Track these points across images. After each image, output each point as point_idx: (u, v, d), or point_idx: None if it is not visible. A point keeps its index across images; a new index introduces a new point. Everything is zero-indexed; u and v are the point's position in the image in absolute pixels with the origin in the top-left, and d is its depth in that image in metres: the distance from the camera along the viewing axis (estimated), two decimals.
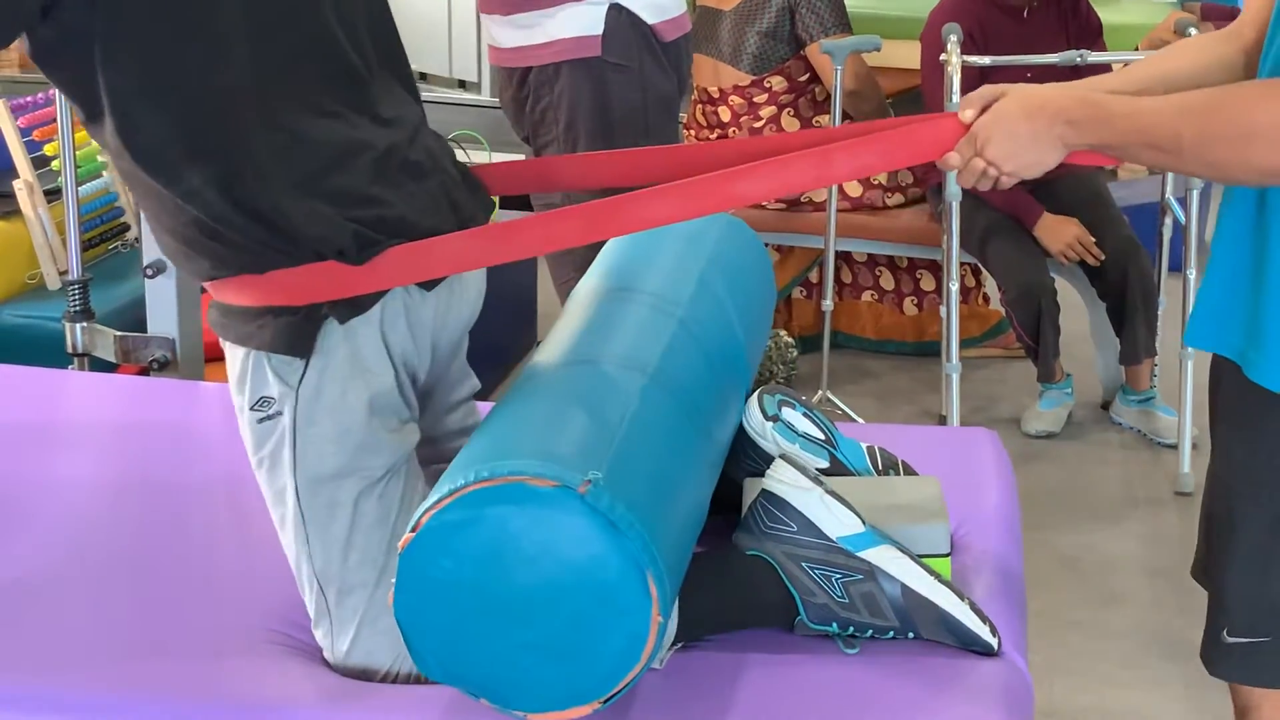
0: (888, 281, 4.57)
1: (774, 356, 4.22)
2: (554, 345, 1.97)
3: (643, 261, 2.16)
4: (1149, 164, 1.86)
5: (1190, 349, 3.41)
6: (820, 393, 4.09)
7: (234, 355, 1.87)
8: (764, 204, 4.35)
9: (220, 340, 1.90)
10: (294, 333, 1.82)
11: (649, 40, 3.21)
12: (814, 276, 4.51)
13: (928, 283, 4.53)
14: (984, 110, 1.86)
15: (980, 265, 4.30)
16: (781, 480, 1.94)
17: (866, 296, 4.59)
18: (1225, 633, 2.01)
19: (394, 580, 1.68)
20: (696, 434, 1.91)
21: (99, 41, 1.72)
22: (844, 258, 4.55)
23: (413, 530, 1.67)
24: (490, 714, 1.73)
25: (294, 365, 1.83)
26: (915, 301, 4.57)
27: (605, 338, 1.95)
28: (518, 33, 3.20)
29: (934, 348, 4.33)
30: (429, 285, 1.91)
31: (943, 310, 3.71)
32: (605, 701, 1.69)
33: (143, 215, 1.91)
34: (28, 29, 1.73)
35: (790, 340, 4.27)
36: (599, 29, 3.15)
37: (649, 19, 3.20)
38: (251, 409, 1.86)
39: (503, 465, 1.66)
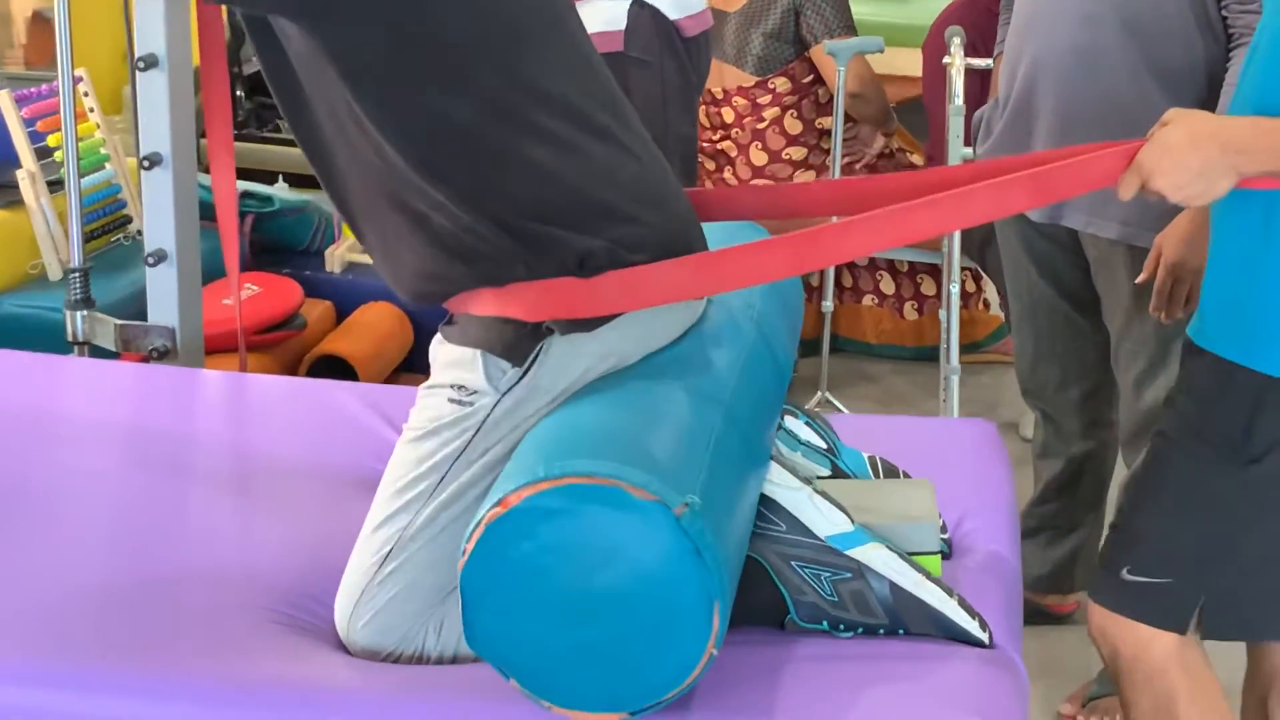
0: (888, 286, 4.58)
1: None
2: None
3: None
4: None
5: None
6: (819, 394, 4.10)
7: (454, 351, 1.92)
8: None
9: (443, 342, 1.95)
10: (518, 341, 1.87)
11: (670, 35, 3.24)
12: (814, 280, 4.52)
13: (928, 287, 4.54)
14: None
15: (980, 270, 4.31)
16: (771, 480, 1.96)
17: (867, 301, 4.60)
18: (1126, 570, 2.11)
19: (468, 547, 1.71)
20: (757, 466, 1.95)
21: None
22: (845, 262, 4.56)
23: (502, 505, 1.69)
24: (507, 698, 1.76)
25: (508, 374, 1.88)
26: (915, 306, 4.58)
27: (691, 350, 1.98)
28: None
29: (934, 353, 4.33)
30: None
31: (942, 314, 3.73)
32: (634, 715, 1.72)
33: (385, 249, 1.96)
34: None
35: None
36: (622, 24, 3.20)
37: (671, 14, 3.24)
38: (450, 387, 1.90)
39: (606, 465, 1.69)
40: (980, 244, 3.96)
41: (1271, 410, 2.00)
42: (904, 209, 1.90)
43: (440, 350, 1.96)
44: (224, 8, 2.55)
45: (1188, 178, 1.85)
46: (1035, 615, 3.25)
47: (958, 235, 3.58)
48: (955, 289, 3.56)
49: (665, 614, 1.69)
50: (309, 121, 1.93)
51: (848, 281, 4.60)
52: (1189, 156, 1.84)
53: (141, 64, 2.89)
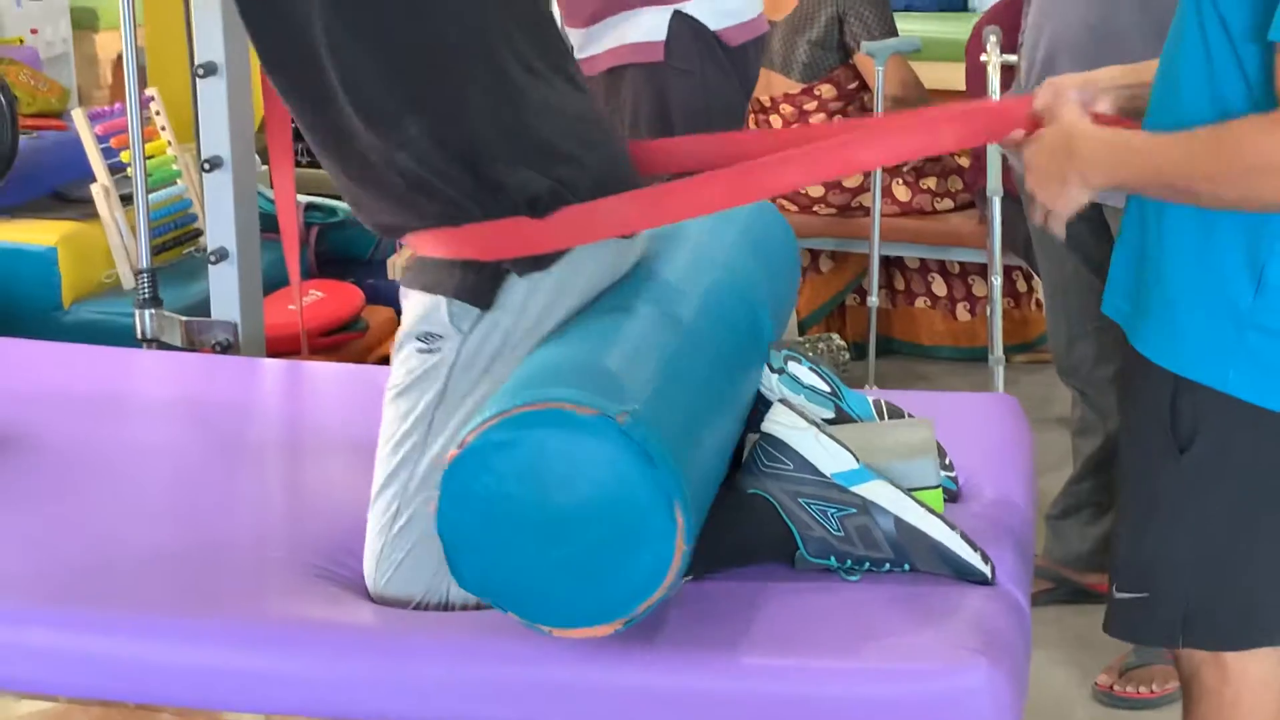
0: (940, 288, 4.65)
1: (826, 360, 4.31)
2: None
3: (683, 226, 2.28)
4: (1175, 201, 1.90)
5: None
6: (868, 388, 4.16)
7: (418, 300, 2.01)
8: (815, 210, 4.45)
9: (404, 292, 2.04)
10: (479, 285, 1.96)
11: (711, 46, 3.31)
12: (867, 283, 4.60)
13: (980, 288, 4.59)
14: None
15: (1030, 269, 4.36)
16: (779, 422, 2.03)
17: (920, 303, 4.67)
18: (1115, 589, 2.06)
19: (437, 493, 1.79)
20: (724, 383, 2.03)
21: None
22: (897, 264, 4.64)
23: (459, 447, 1.78)
24: (514, 633, 1.83)
25: (470, 314, 1.97)
26: (967, 307, 4.63)
27: (647, 288, 2.07)
28: (591, 42, 3.34)
29: (987, 353, 4.37)
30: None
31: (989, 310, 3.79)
32: (626, 622, 1.79)
33: (350, 186, 2.06)
34: None
35: (843, 344, 4.35)
36: (662, 35, 3.27)
37: (713, 25, 3.31)
38: (417, 339, 2.00)
39: (546, 391, 1.77)
40: (1025, 242, 4.00)
41: (1186, 391, 1.94)
42: (836, 144, 2.03)
43: (407, 303, 2.04)
44: None
45: (1047, 180, 1.90)
46: (1077, 595, 3.29)
47: (998, 228, 3.66)
48: (998, 281, 3.62)
49: (628, 519, 1.76)
50: (287, 61, 2.00)
51: (900, 284, 4.67)
52: (1048, 162, 1.90)
53: (201, 71, 3.05)
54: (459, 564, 1.82)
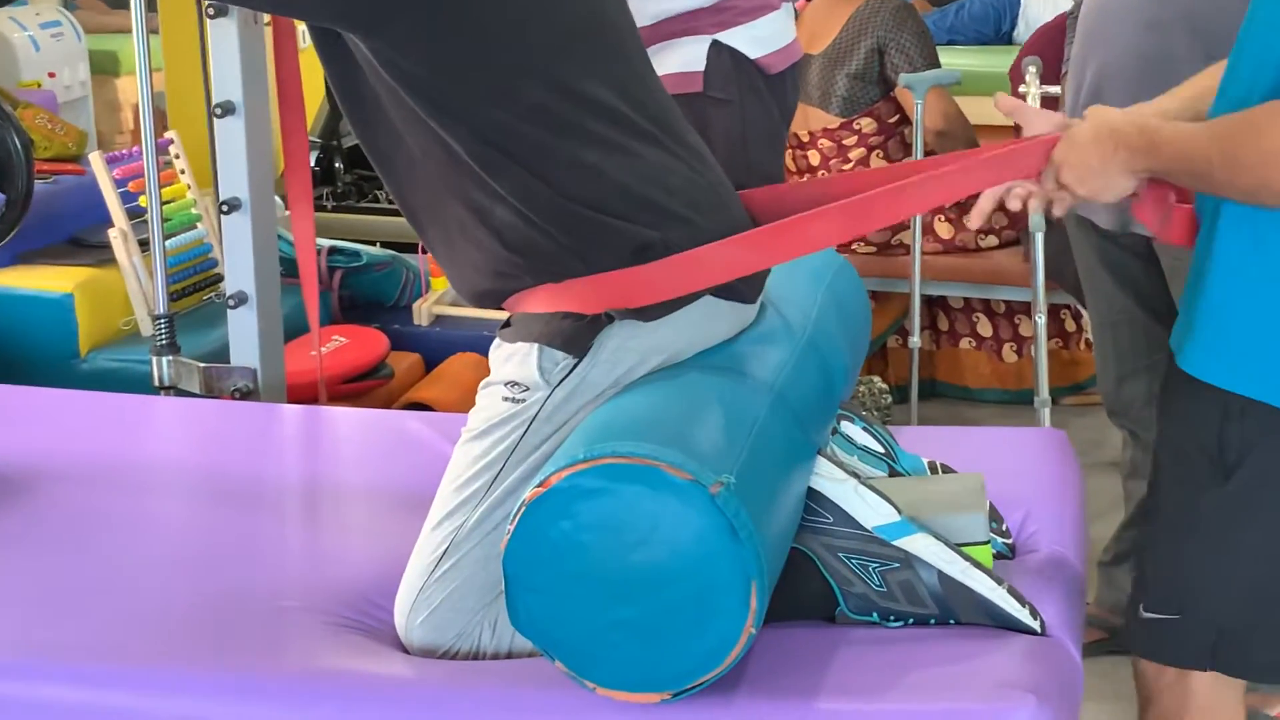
0: (985, 328, 4.53)
1: (868, 402, 4.20)
2: None
3: (777, 288, 2.23)
4: (1197, 190, 1.92)
5: None
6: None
7: (511, 349, 1.98)
8: (855, 249, 4.35)
9: (496, 343, 2.01)
10: (576, 333, 1.92)
11: (751, 74, 3.23)
12: (909, 323, 4.49)
13: (1027, 328, 4.48)
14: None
15: (1080, 307, 4.25)
16: (817, 474, 1.96)
17: (965, 344, 4.56)
18: (1142, 608, 2.03)
19: (510, 527, 1.75)
20: (802, 453, 1.98)
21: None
22: (941, 304, 4.54)
23: (543, 485, 1.73)
24: (551, 686, 1.79)
25: (561, 365, 1.92)
26: (1014, 348, 4.52)
27: (741, 349, 2.03)
28: None
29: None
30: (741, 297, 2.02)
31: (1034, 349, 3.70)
32: (675, 695, 1.74)
33: (449, 246, 2.03)
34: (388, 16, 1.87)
35: (884, 386, 4.25)
36: (700, 65, 3.19)
37: (751, 53, 3.22)
38: (504, 384, 1.95)
39: (642, 447, 1.73)
40: (1075, 280, 3.90)
41: (1236, 417, 1.93)
42: (929, 178, 2.01)
43: (497, 351, 2.00)
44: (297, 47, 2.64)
45: (1087, 173, 1.90)
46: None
47: (1040, 266, 3.56)
48: (1042, 319, 3.55)
49: (702, 592, 1.72)
50: (374, 121, 1.99)
51: (944, 324, 4.56)
52: (1090, 152, 1.89)
53: (219, 111, 2.99)
54: (517, 603, 1.77)
